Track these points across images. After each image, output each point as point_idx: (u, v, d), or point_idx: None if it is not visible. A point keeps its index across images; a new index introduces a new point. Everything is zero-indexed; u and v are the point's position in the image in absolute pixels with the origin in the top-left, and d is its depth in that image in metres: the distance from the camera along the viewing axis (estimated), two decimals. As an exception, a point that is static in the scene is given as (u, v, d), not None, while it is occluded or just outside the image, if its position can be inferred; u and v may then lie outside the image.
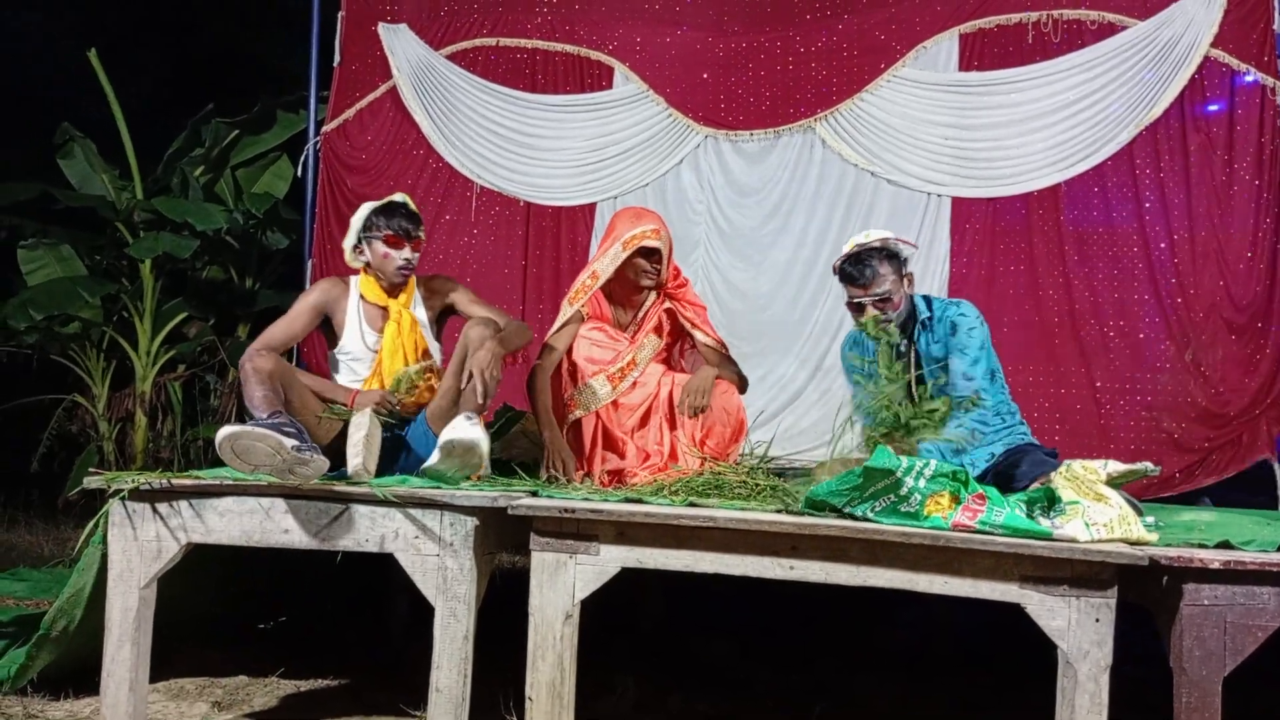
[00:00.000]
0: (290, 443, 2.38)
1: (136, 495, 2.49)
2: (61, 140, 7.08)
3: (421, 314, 3.20)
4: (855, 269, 3.10)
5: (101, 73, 6.90)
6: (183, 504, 2.49)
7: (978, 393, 2.98)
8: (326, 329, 3.18)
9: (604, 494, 2.70)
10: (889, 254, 3.11)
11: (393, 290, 3.14)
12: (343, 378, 3.14)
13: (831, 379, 4.89)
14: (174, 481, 2.49)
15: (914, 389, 2.91)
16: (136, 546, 2.50)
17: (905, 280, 3.15)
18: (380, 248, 3.09)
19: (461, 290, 3.28)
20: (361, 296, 3.13)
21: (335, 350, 3.16)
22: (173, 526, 2.49)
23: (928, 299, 3.26)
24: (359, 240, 3.14)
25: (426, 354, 3.15)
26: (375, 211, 3.14)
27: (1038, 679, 2.36)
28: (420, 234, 3.17)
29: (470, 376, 2.79)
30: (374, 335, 3.11)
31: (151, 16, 8.48)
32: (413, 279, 3.20)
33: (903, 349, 3.14)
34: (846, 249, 3.21)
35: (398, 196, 3.24)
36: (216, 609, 3.44)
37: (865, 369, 3.01)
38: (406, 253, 3.11)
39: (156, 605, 2.53)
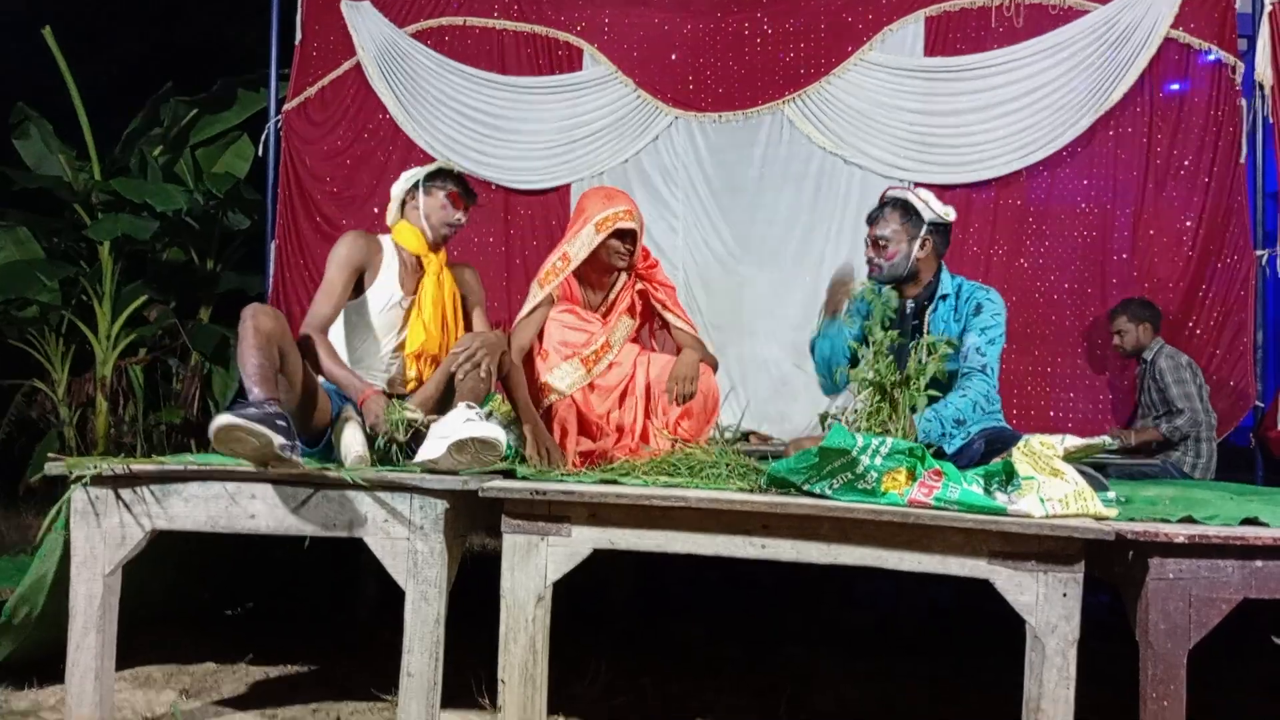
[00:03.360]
0: (279, 441, 2.31)
1: (99, 481, 2.44)
2: (17, 120, 6.91)
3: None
4: (875, 208, 3.31)
5: (57, 51, 6.74)
6: (146, 490, 2.45)
7: (985, 367, 3.08)
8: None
9: (576, 475, 2.69)
10: (904, 205, 3.23)
11: (433, 246, 3.16)
12: (365, 337, 3.08)
13: (804, 356, 4.90)
14: (136, 467, 2.45)
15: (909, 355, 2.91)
16: (100, 533, 2.46)
17: (918, 242, 3.19)
18: (441, 198, 3.15)
19: (480, 295, 3.32)
20: (397, 246, 3.13)
21: (359, 301, 3.07)
22: (136, 513, 2.45)
23: (957, 279, 3.29)
24: (415, 186, 3.16)
25: (456, 320, 3.16)
26: (442, 170, 3.22)
27: (1005, 654, 2.38)
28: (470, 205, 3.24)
29: (471, 365, 2.80)
30: (400, 292, 3.09)
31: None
32: (442, 251, 3.21)
33: (907, 311, 3.22)
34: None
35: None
36: (183, 595, 3.40)
37: (860, 331, 3.10)
38: (461, 215, 3.19)
39: (121, 592, 2.49)
